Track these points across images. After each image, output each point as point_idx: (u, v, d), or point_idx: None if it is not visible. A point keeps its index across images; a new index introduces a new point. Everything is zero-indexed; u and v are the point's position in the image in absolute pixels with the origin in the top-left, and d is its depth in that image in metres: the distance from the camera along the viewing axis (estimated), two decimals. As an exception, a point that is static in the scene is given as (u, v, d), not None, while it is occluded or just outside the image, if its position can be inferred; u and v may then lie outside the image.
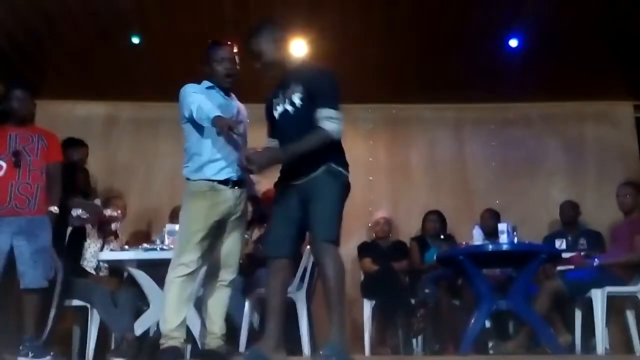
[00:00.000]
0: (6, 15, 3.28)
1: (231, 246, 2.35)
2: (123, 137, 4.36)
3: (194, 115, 2.24)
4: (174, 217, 3.67)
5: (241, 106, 2.52)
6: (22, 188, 2.67)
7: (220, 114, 2.15)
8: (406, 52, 3.69)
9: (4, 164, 2.67)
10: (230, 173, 2.29)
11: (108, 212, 3.32)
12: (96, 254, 3.23)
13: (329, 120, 1.98)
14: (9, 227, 2.62)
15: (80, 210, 3.09)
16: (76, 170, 3.22)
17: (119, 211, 3.40)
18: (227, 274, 2.38)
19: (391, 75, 3.93)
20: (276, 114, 2.15)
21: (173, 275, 2.24)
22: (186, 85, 2.42)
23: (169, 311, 2.25)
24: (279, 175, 2.14)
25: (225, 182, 2.28)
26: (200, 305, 2.72)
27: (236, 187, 2.31)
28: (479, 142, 4.44)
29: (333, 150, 2.04)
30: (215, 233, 2.29)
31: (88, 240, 3.27)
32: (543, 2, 3.27)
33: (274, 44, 2.18)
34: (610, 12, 3.32)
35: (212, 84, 2.41)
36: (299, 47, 3.67)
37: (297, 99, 2.07)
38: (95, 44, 3.57)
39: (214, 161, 2.28)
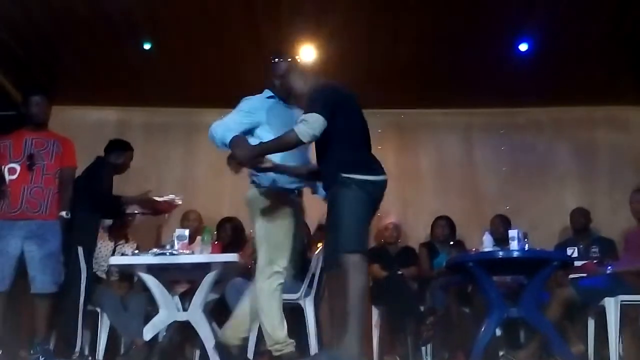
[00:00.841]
0: (21, 21, 3.34)
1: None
2: (134, 143, 4.36)
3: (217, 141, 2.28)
4: (184, 221, 3.69)
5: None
6: (34, 192, 2.70)
7: (236, 139, 2.18)
8: (415, 56, 3.69)
9: (17, 167, 2.72)
10: (298, 182, 2.36)
11: (165, 198, 3.12)
12: (107, 257, 3.26)
13: (301, 122, 2.02)
14: (20, 231, 2.66)
15: (135, 206, 3.07)
16: (115, 173, 3.16)
17: (174, 196, 3.16)
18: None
19: (400, 80, 3.93)
20: None
21: (270, 284, 2.24)
22: (243, 101, 2.46)
23: (276, 320, 2.24)
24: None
25: (292, 190, 2.35)
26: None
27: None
28: (488, 147, 4.41)
29: (342, 158, 2.07)
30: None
31: (99, 244, 3.29)
32: (554, 6, 3.24)
33: (303, 79, 2.28)
34: (622, 17, 3.29)
35: (272, 94, 2.43)
36: (307, 53, 3.69)
37: None
38: (108, 50, 3.62)
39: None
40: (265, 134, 2.27)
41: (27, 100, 2.84)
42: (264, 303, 2.24)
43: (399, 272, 3.56)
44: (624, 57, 3.72)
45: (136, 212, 3.10)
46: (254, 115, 2.33)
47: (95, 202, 2.92)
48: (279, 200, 2.30)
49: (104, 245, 3.34)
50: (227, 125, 2.27)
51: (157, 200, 3.06)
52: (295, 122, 2.08)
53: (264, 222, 2.29)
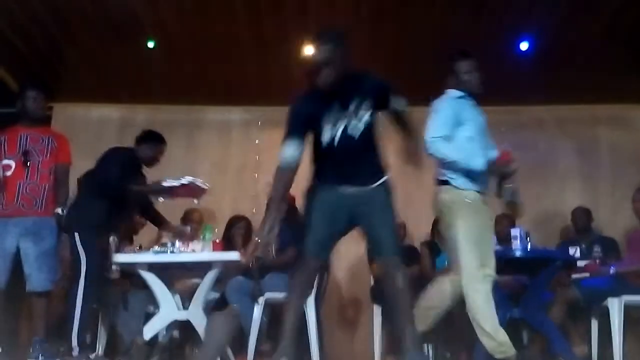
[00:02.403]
0: (25, 19, 3.34)
1: None
2: (136, 140, 4.40)
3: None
4: (186, 220, 3.68)
5: None
6: (29, 188, 2.66)
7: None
8: (417, 55, 3.67)
9: (12, 164, 2.67)
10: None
11: (183, 181, 2.71)
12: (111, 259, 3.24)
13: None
14: (15, 228, 2.62)
15: (160, 197, 2.85)
16: (147, 166, 2.91)
17: (192, 178, 2.79)
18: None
19: (402, 78, 3.87)
20: (335, 134, 2.05)
21: (486, 287, 2.23)
22: (442, 99, 2.44)
23: (494, 323, 2.22)
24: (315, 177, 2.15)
25: (484, 192, 2.36)
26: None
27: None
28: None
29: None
30: None
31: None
32: (555, 4, 3.22)
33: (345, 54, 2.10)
34: (624, 14, 3.26)
35: (462, 94, 2.42)
36: (310, 52, 3.68)
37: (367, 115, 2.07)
38: (111, 48, 3.62)
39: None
40: (466, 134, 2.31)
41: (23, 95, 2.77)
42: (483, 307, 2.21)
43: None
44: (626, 55, 3.70)
45: (160, 199, 2.86)
46: (458, 117, 2.34)
47: (99, 184, 2.70)
48: (481, 201, 2.32)
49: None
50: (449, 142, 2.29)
51: (174, 187, 2.72)
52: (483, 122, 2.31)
53: (470, 225, 2.25)
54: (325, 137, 2.05)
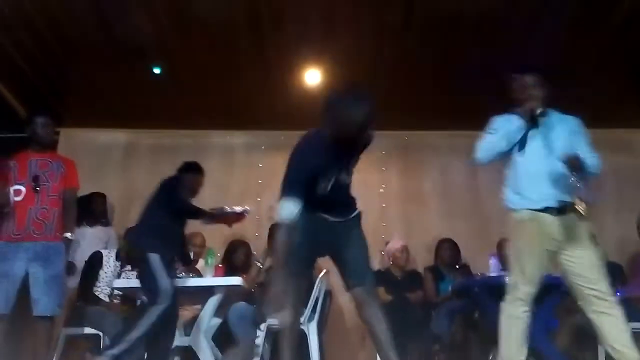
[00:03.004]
0: (31, 44, 3.42)
1: None
2: (142, 165, 4.44)
3: None
4: (189, 244, 3.67)
5: None
6: (39, 213, 2.70)
7: None
8: (419, 79, 3.72)
9: (23, 189, 2.72)
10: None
11: (236, 209, 2.92)
12: (112, 281, 3.25)
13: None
14: (25, 253, 2.64)
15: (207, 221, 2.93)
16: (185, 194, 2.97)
17: (241, 208, 2.97)
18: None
19: (404, 102, 3.96)
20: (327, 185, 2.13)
21: (511, 311, 2.24)
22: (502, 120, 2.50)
23: (509, 350, 2.20)
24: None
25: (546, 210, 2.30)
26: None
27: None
28: (492, 169, 4.36)
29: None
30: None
31: (105, 267, 3.28)
32: (554, 28, 3.27)
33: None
34: (624, 38, 3.31)
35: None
36: (312, 77, 3.74)
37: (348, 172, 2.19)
38: (117, 73, 3.69)
39: None
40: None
41: (32, 121, 2.84)
42: (503, 330, 2.22)
43: (404, 296, 3.50)
44: (627, 80, 3.73)
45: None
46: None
47: (175, 209, 2.81)
48: (532, 220, 2.28)
49: (109, 268, 3.32)
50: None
51: (227, 213, 2.91)
52: None
53: (514, 245, 2.33)
54: (320, 187, 2.10)
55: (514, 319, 2.19)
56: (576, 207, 2.29)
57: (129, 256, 2.91)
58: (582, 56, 3.47)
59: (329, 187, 2.10)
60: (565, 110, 4.01)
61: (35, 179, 2.73)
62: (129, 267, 3.41)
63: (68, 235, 2.75)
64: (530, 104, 2.38)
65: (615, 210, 4.12)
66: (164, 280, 2.60)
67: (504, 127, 2.38)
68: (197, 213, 2.84)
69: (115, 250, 3.44)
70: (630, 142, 4.38)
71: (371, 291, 2.13)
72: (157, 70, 3.65)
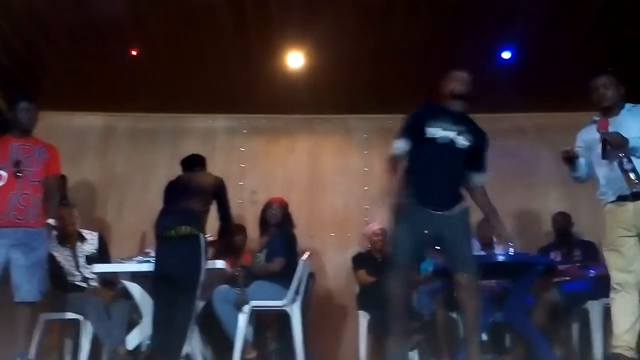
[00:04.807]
0: (5, 26, 3.30)
1: None
2: (120, 149, 4.37)
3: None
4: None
5: None
6: (21, 199, 2.67)
7: None
8: (401, 63, 3.72)
9: (4, 174, 2.68)
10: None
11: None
12: (75, 266, 3.18)
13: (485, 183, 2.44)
14: (6, 239, 2.61)
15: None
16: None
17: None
18: None
19: (386, 87, 3.96)
20: (437, 135, 2.36)
21: (615, 296, 2.38)
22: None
23: (619, 329, 2.32)
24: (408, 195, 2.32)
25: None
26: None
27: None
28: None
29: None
30: None
31: (57, 255, 3.16)
32: (535, 14, 3.30)
33: None
34: (602, 24, 3.36)
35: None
36: (295, 59, 3.71)
37: (466, 142, 2.40)
38: (94, 55, 3.59)
39: None
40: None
41: (14, 106, 2.80)
42: (613, 313, 2.36)
43: (386, 277, 3.55)
44: (604, 64, 3.79)
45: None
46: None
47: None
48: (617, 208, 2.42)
49: (61, 255, 3.21)
50: None
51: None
52: None
53: (605, 235, 2.46)
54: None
55: (616, 302, 2.35)
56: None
57: (180, 236, 2.80)
58: (561, 41, 3.51)
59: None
60: (545, 93, 4.09)
61: (17, 164, 2.69)
62: (77, 242, 3.25)
63: (50, 221, 2.73)
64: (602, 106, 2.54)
65: (591, 190, 4.20)
66: (203, 265, 2.78)
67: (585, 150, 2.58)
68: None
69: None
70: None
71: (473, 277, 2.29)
72: (134, 52, 3.57)
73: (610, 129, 2.41)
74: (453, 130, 2.36)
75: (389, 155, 2.41)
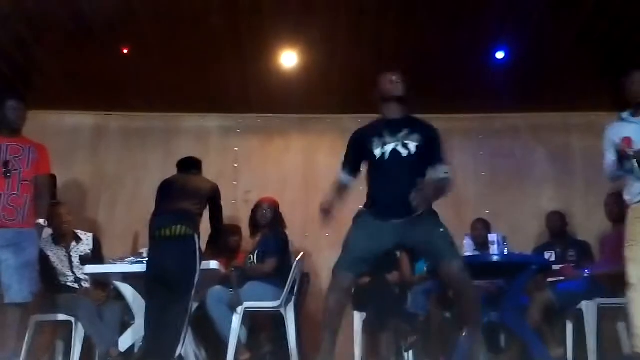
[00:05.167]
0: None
1: None
2: (111, 148, 4.33)
3: None
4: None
5: None
6: (11, 199, 2.63)
7: None
8: (395, 63, 3.70)
9: None
10: None
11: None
12: (68, 266, 3.15)
13: (447, 173, 2.33)
14: None
15: None
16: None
17: None
18: None
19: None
20: (380, 152, 2.33)
21: (631, 295, 2.39)
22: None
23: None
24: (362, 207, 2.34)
25: None
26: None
27: None
28: (467, 152, 4.46)
29: None
30: None
31: (51, 255, 3.15)
32: (528, 14, 3.31)
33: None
34: (595, 25, 3.37)
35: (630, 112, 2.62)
36: (289, 58, 3.69)
37: (413, 147, 2.32)
38: (85, 54, 3.55)
39: None
40: None
41: (2, 104, 2.76)
42: (631, 313, 2.38)
43: (381, 277, 3.55)
44: (598, 64, 3.81)
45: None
46: None
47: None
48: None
49: (55, 254, 3.18)
50: None
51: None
52: None
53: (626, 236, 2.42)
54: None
55: (632, 301, 2.36)
56: None
57: (176, 236, 2.79)
58: (554, 42, 3.52)
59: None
60: (539, 93, 4.10)
61: (6, 164, 2.65)
62: (72, 242, 3.23)
63: (40, 221, 2.71)
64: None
65: (585, 190, 4.25)
66: (198, 267, 2.79)
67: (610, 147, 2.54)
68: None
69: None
70: (598, 125, 4.43)
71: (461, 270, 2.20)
72: (126, 51, 3.53)
73: None
74: (395, 142, 2.33)
75: (335, 182, 2.43)
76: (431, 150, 2.35)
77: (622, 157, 2.44)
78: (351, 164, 2.41)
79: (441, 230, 2.29)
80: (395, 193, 2.26)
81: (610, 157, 2.56)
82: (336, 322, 2.24)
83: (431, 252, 2.31)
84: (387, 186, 2.30)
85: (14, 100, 2.77)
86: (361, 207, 2.41)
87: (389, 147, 2.31)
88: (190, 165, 3.13)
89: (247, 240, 3.66)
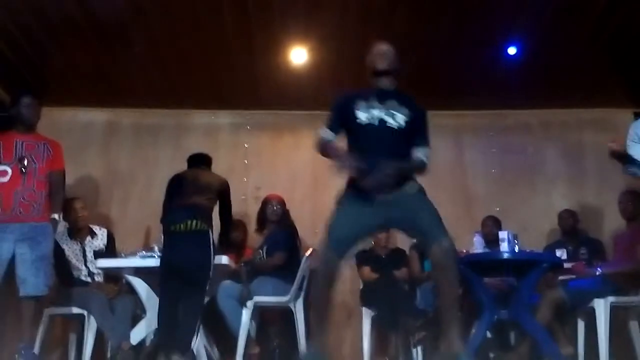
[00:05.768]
0: (10, 23, 3.30)
1: None
2: (123, 144, 4.37)
3: None
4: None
5: None
6: (27, 195, 2.68)
7: None
8: (405, 59, 3.66)
9: (9, 170, 2.69)
10: None
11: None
12: (83, 261, 3.20)
13: (426, 157, 2.21)
14: (12, 234, 2.63)
15: None
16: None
17: None
18: None
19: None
20: (366, 117, 2.17)
21: None
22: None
23: None
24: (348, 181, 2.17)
25: None
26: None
27: None
28: (478, 149, 4.43)
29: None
30: None
31: (67, 250, 3.20)
32: (541, 10, 3.27)
33: None
34: (609, 20, 3.32)
35: None
36: (299, 55, 3.69)
37: (401, 119, 2.19)
38: (98, 51, 3.58)
39: None
40: None
41: (17, 101, 2.81)
42: None
43: (390, 274, 3.55)
44: (610, 61, 3.75)
45: None
46: None
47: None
48: None
49: (70, 249, 3.23)
50: None
51: None
52: None
53: None
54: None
55: None
56: None
57: (191, 230, 2.80)
58: (566, 38, 3.48)
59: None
60: (550, 89, 4.05)
61: (22, 160, 2.70)
62: (87, 237, 3.26)
63: (55, 216, 2.76)
64: None
65: (598, 187, 4.20)
66: (212, 262, 2.81)
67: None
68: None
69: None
70: (611, 121, 4.43)
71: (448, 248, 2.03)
72: (138, 49, 3.56)
73: None
74: (383, 110, 2.17)
75: (316, 140, 2.22)
76: (418, 130, 2.23)
77: None
78: (333, 128, 2.22)
79: (428, 207, 2.12)
80: (376, 164, 2.07)
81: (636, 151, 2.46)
82: (324, 305, 2.10)
83: (418, 230, 2.12)
84: (369, 155, 2.10)
85: (28, 97, 2.82)
86: (343, 187, 2.24)
87: (375, 114, 2.16)
88: (200, 161, 3.16)
89: (252, 236, 3.68)
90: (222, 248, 3.00)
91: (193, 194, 2.88)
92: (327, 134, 2.21)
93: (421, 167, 2.22)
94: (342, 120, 2.22)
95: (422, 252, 3.71)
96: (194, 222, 2.76)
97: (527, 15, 3.31)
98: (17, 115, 2.80)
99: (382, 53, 2.33)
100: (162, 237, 2.86)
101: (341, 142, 2.26)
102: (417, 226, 2.11)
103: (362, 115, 2.17)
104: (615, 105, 4.36)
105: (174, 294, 2.69)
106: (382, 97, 2.21)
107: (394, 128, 2.16)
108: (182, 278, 2.69)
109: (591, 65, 3.78)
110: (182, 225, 2.76)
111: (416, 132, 2.22)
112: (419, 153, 2.22)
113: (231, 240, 3.34)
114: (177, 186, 3.00)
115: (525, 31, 3.48)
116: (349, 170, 2.08)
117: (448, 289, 2.02)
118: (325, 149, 2.19)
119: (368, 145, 2.14)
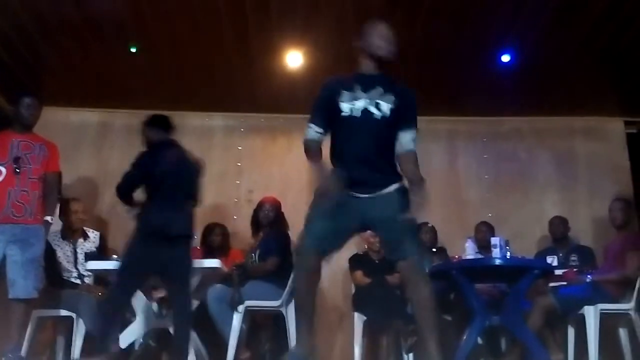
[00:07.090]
0: (4, 22, 3.27)
1: None
2: (116, 145, 4.34)
3: None
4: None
5: None
6: (20, 196, 2.64)
7: None
8: (399, 65, 3.69)
9: (3, 170, 2.65)
10: None
11: None
12: (73, 262, 3.16)
13: (414, 142, 2.10)
14: (3, 235, 2.59)
15: None
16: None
17: None
18: None
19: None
20: (350, 109, 2.03)
21: None
22: None
23: None
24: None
25: None
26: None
27: None
28: (471, 155, 4.45)
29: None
30: None
31: (58, 252, 3.17)
32: (535, 18, 3.30)
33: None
34: (601, 29, 3.36)
35: None
36: (294, 59, 3.69)
37: (386, 108, 2.03)
38: (92, 52, 3.57)
39: None
40: None
41: (17, 101, 2.77)
42: None
43: (383, 279, 3.54)
44: (602, 70, 3.80)
45: None
46: None
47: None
48: None
49: (62, 250, 3.20)
50: None
51: None
52: None
53: None
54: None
55: None
56: None
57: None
58: (560, 47, 3.51)
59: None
60: (543, 97, 4.09)
61: (17, 160, 2.66)
62: (80, 239, 3.25)
63: (48, 218, 2.72)
64: None
65: (589, 195, 4.24)
66: (192, 268, 2.74)
67: None
68: None
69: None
70: (602, 129, 4.48)
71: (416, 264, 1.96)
72: (132, 49, 3.54)
73: None
74: (367, 99, 2.02)
75: (304, 141, 2.08)
76: (404, 115, 2.06)
77: None
78: (319, 123, 2.06)
79: (406, 219, 1.94)
80: (360, 158, 1.99)
81: None
82: (307, 305, 2.00)
83: (390, 242, 2.01)
84: (352, 149, 2.00)
85: (29, 98, 2.78)
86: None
87: (359, 104, 2.01)
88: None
89: (246, 239, 3.66)
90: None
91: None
92: (313, 133, 2.06)
93: (415, 180, 2.07)
94: (327, 113, 2.06)
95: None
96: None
97: (521, 23, 3.35)
98: (15, 115, 2.76)
99: (387, 37, 2.14)
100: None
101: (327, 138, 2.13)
102: (390, 240, 2.01)
103: (346, 107, 2.02)
104: (607, 114, 4.41)
105: (146, 266, 2.52)
106: (367, 85, 2.05)
107: (377, 118, 2.01)
108: (163, 242, 2.53)
109: (583, 75, 3.82)
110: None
111: (403, 118, 2.06)
112: (404, 139, 2.07)
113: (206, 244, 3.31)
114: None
115: (519, 39, 3.52)
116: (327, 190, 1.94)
117: (422, 303, 1.95)
118: (310, 158, 2.07)
119: (350, 137, 2.01)
